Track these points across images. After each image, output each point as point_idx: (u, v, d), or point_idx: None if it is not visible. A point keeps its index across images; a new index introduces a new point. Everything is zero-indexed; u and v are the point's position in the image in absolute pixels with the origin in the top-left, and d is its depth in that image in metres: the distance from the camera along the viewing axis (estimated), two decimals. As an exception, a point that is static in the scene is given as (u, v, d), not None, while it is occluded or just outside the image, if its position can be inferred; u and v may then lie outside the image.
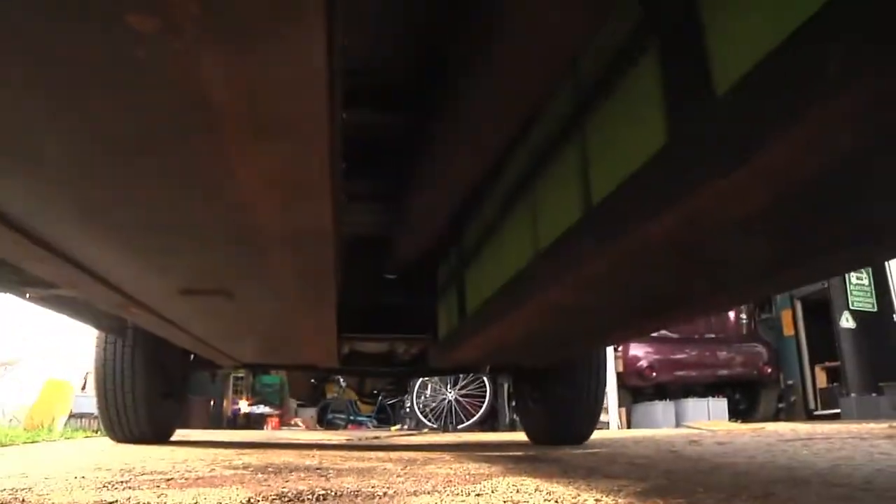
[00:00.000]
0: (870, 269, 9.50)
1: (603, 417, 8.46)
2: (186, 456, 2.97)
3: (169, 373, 3.92)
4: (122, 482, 1.94)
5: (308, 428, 9.72)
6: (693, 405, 8.57)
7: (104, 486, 1.84)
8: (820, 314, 10.39)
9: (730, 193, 0.89)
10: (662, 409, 8.65)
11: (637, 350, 8.71)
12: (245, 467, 2.41)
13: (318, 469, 2.38)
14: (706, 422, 7.75)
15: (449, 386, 9.07)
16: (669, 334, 8.74)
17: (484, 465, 2.54)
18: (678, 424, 8.23)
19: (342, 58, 0.89)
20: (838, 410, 9.41)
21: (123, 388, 3.68)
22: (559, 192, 1.56)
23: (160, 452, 3.20)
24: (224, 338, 2.84)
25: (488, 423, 9.10)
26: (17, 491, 1.75)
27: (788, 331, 10.93)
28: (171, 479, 2.02)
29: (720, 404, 8.69)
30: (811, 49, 0.70)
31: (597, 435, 5.64)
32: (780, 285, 1.99)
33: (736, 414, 9.03)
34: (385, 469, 2.40)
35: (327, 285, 1.76)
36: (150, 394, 3.75)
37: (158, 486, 1.83)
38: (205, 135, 0.89)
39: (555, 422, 4.18)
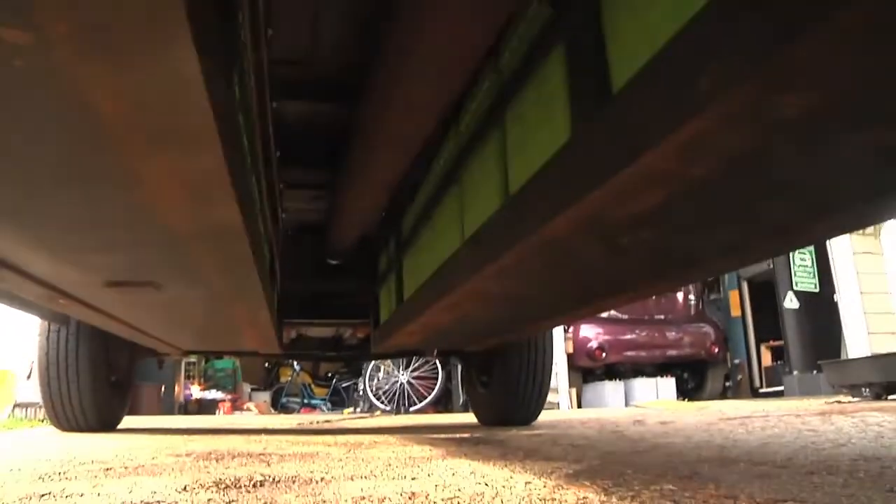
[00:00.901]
0: (812, 250, 9.76)
1: (553, 398, 8.60)
2: (131, 444, 2.96)
3: (114, 361, 3.88)
4: (59, 473, 1.93)
5: (261, 412, 9.69)
6: (642, 385, 8.76)
7: (40, 478, 1.83)
8: (766, 294, 10.67)
9: (625, 191, 0.92)
10: (612, 389, 8.83)
11: (587, 331, 8.85)
12: (188, 454, 2.41)
13: (261, 455, 2.40)
14: (654, 401, 7.93)
15: (401, 368, 9.12)
16: (619, 315, 8.90)
17: (427, 448, 2.58)
18: (627, 404, 8.40)
19: (243, 62, 0.91)
20: (782, 388, 9.72)
21: (67, 378, 3.64)
22: (483, 181, 1.60)
23: (105, 441, 3.18)
24: (159, 327, 2.82)
25: (442, 404, 9.19)
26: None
27: (736, 311, 11.21)
28: (111, 468, 2.02)
29: (668, 384, 8.89)
30: (688, 59, 0.74)
31: (546, 416, 5.74)
32: (694, 276, 2.06)
33: (684, 393, 9.25)
34: (328, 454, 2.42)
35: (250, 277, 1.77)
36: (95, 382, 3.71)
37: (96, 477, 1.83)
38: (101, 141, 0.91)
39: (502, 404, 4.25)
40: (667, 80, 0.77)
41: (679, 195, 0.95)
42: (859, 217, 1.12)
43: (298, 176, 2.59)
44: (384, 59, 1.44)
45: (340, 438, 3.31)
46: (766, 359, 11.17)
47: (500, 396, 4.24)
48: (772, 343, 10.99)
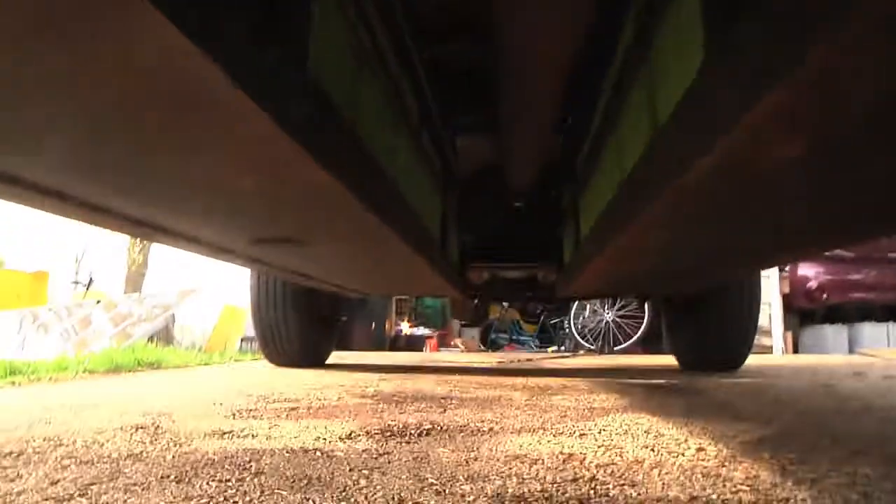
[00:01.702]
0: None
1: (767, 341, 8.05)
2: (328, 381, 3.10)
3: (319, 301, 4.08)
4: (250, 410, 2.05)
5: (468, 349, 9.93)
6: (870, 330, 7.90)
7: (233, 415, 1.95)
8: None
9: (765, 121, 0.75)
10: (834, 333, 8.05)
11: (805, 270, 8.12)
12: (373, 396, 2.48)
13: (442, 398, 2.41)
14: (885, 349, 7.17)
15: (607, 307, 8.93)
16: (844, 253, 8.06)
17: (613, 398, 2.47)
18: (851, 351, 7.67)
19: None
20: None
21: (277, 317, 3.89)
22: (636, 117, 1.46)
23: (306, 377, 3.36)
24: (330, 276, 2.91)
25: (651, 343, 8.91)
26: (159, 415, 1.90)
27: None
28: (296, 408, 2.11)
29: (903, 330, 7.97)
30: None
31: (756, 360, 5.37)
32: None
33: (924, 341, 8.29)
34: (510, 399, 2.38)
35: (387, 236, 1.76)
36: (302, 321, 3.93)
37: (279, 416, 1.91)
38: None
39: (704, 348, 4.01)
40: None
41: (819, 146, 0.77)
42: None
43: (472, 119, 2.52)
44: None
45: (532, 381, 3.27)
46: None
47: (702, 340, 4.00)
48: None
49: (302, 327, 3.95)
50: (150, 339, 6.46)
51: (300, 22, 1.07)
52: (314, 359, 4.20)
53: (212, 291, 8.26)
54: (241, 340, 7.59)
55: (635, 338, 8.65)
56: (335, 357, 4.85)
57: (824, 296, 8.15)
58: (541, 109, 1.82)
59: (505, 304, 11.84)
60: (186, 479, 1.13)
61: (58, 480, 1.12)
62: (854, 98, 0.70)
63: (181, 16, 0.63)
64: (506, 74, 1.73)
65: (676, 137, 1.04)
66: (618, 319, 8.88)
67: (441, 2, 1.89)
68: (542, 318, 11.51)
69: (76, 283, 13.14)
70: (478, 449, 1.43)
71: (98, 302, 7.81)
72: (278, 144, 0.98)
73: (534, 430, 1.68)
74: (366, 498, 1.01)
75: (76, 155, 1.04)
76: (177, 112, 0.87)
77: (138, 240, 14.40)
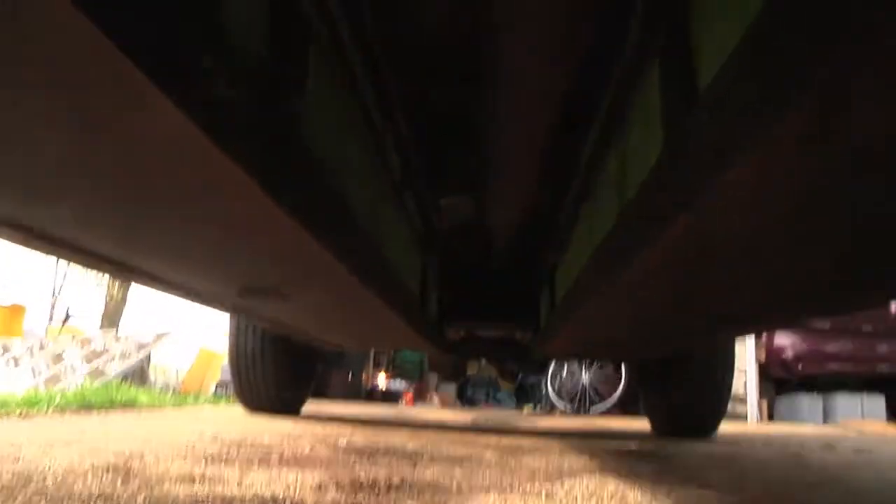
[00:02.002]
0: None
1: (742, 409, 8.08)
2: (302, 431, 3.10)
3: (296, 349, 4.09)
4: (223, 455, 2.06)
5: (444, 404, 9.88)
6: (844, 401, 7.94)
7: (205, 459, 1.96)
8: None
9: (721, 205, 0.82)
10: (809, 402, 8.07)
11: (782, 339, 8.19)
12: (346, 447, 2.49)
13: (414, 453, 2.42)
14: (858, 420, 7.22)
15: (584, 368, 8.93)
16: (820, 324, 8.14)
17: (583, 460, 2.49)
18: (825, 421, 7.71)
19: None
20: None
21: (253, 363, 3.89)
22: (606, 196, 1.54)
23: (280, 425, 3.36)
24: (311, 328, 2.94)
25: (627, 405, 8.89)
26: (131, 457, 1.90)
27: (964, 325, 9.96)
28: (268, 455, 2.12)
29: (877, 402, 8.00)
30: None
31: (730, 428, 5.40)
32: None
33: (897, 414, 8.35)
34: (481, 458, 2.40)
35: (365, 295, 1.82)
36: (279, 369, 3.94)
37: (251, 464, 1.93)
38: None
39: (677, 414, 4.04)
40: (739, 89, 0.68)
41: (779, 215, 0.83)
42: None
43: (457, 177, 2.60)
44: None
45: (505, 440, 3.29)
46: None
47: (674, 406, 4.03)
48: None
49: (278, 375, 3.96)
50: (125, 378, 6.41)
51: (296, 99, 1.13)
52: (289, 407, 4.19)
53: (189, 333, 8.23)
54: (217, 385, 7.54)
55: (611, 400, 8.65)
56: (311, 406, 4.83)
57: (800, 365, 8.21)
58: (522, 176, 1.90)
59: (483, 360, 11.84)
60: (156, 523, 1.15)
61: (28, 518, 1.13)
62: (799, 177, 0.76)
63: (191, 107, 0.70)
64: (490, 138, 1.81)
65: (638, 215, 1.10)
66: (595, 381, 8.88)
67: (429, 61, 1.97)
68: (519, 377, 11.49)
69: (52, 317, 13.02)
70: (445, 505, 1.45)
71: (73, 337, 7.75)
72: (272, 216, 1.04)
73: (502, 490, 1.70)
74: (332, 549, 1.03)
75: (102, 220, 1.11)
76: (187, 192, 0.94)
77: (119, 277, 14.28)
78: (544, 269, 3.07)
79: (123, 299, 15.50)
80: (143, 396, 4.79)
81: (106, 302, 15.38)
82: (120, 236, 1.32)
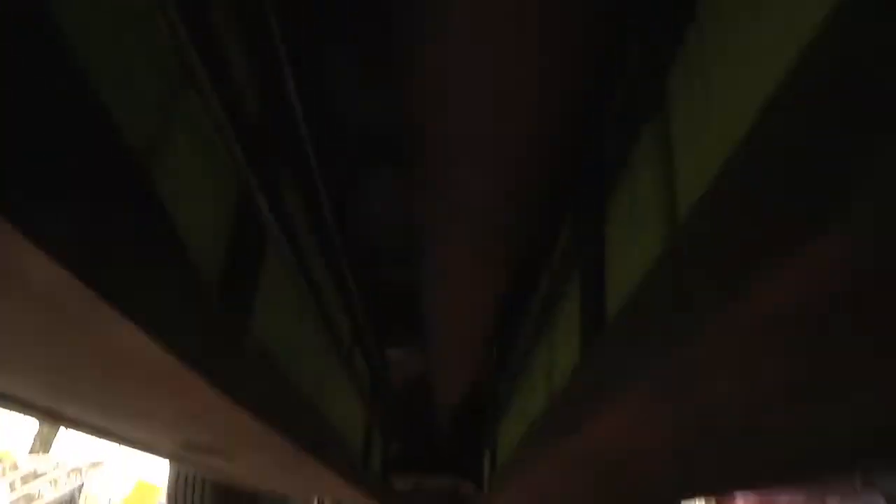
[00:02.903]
0: None
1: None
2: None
3: (238, 494, 3.93)
4: None
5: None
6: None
7: None
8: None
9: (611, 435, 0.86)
10: (761, 561, 7.98)
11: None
12: None
13: None
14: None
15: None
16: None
17: None
18: (779, 582, 7.57)
19: None
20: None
21: (192, 505, 3.71)
22: (537, 387, 1.60)
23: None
24: (259, 481, 2.88)
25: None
26: None
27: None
28: None
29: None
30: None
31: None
32: None
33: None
34: None
35: (308, 461, 1.83)
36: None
37: None
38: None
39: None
40: (632, 328, 0.74)
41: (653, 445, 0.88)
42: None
43: (406, 334, 2.63)
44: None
45: None
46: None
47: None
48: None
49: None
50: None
51: (248, 297, 1.16)
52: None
53: (127, 460, 7.89)
54: (153, 521, 7.17)
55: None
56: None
57: (752, 518, 8.12)
58: (463, 341, 1.96)
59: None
60: None
61: None
62: (695, 400, 0.80)
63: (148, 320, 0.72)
64: (430, 309, 1.87)
65: (554, 420, 1.16)
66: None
67: (376, 238, 2.09)
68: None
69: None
70: None
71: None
72: (219, 404, 1.05)
73: None
74: None
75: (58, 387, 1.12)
76: (141, 381, 0.95)
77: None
78: (489, 428, 3.08)
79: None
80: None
81: (40, 424, 14.72)
82: (49, 384, 1.31)
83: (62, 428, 7.99)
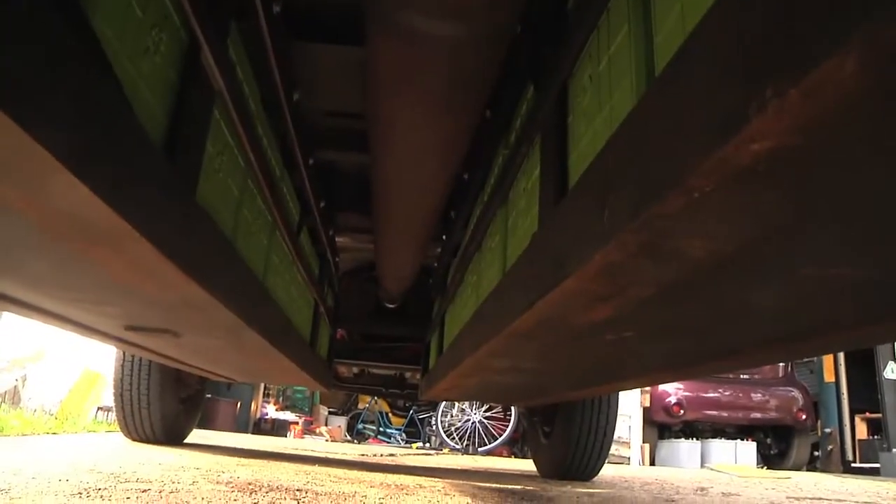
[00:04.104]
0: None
1: (624, 452, 8.35)
2: (183, 463, 3.03)
3: (184, 379, 4.00)
4: (99, 489, 2.00)
5: (334, 437, 9.77)
6: (719, 447, 8.38)
7: (79, 493, 1.90)
8: (865, 362, 10.05)
9: (568, 302, 0.90)
10: (688, 448, 8.48)
11: (666, 385, 8.55)
12: (228, 482, 2.46)
13: (298, 490, 2.42)
14: (731, 465, 7.57)
15: (475, 407, 9.03)
16: (700, 372, 8.54)
17: (466, 500, 2.54)
18: (703, 465, 8.06)
19: None
20: (878, 465, 9.06)
21: (139, 391, 3.78)
22: (493, 257, 1.64)
23: (162, 456, 3.27)
24: (199, 364, 2.92)
25: (518, 446, 9.03)
26: (-5, 490, 1.82)
27: (829, 377, 10.64)
28: (147, 490, 2.08)
29: (749, 448, 8.47)
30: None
31: (613, 470, 5.58)
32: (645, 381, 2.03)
33: (767, 459, 8.80)
34: (364, 496, 2.42)
35: (253, 337, 1.85)
36: (164, 398, 3.83)
37: (128, 500, 1.89)
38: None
39: (561, 457, 4.15)
40: (585, 204, 0.76)
41: (624, 312, 0.93)
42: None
43: (354, 220, 2.65)
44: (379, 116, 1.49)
45: (390, 478, 3.31)
46: (862, 431, 10.48)
47: (559, 449, 4.14)
48: (868, 415, 10.32)
49: (164, 404, 3.85)
50: (-4, 398, 6.07)
51: (194, 160, 1.16)
52: (173, 437, 4.08)
53: (70, 351, 7.85)
54: (98, 409, 7.20)
55: (500, 440, 8.77)
56: (196, 436, 4.71)
57: (681, 411, 8.59)
58: (413, 224, 1.96)
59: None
60: (25, 560, 1.12)
61: None
62: (645, 279, 0.84)
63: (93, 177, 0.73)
64: (380, 188, 1.87)
65: (510, 290, 1.19)
66: (485, 420, 8.99)
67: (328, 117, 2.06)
68: (411, 411, 11.48)
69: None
70: (324, 546, 1.47)
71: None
72: (162, 268, 1.06)
73: (382, 530, 1.73)
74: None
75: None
76: (84, 244, 0.96)
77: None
78: (436, 313, 3.14)
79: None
80: (12, 420, 4.55)
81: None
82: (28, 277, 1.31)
83: (1, 320, 7.81)
